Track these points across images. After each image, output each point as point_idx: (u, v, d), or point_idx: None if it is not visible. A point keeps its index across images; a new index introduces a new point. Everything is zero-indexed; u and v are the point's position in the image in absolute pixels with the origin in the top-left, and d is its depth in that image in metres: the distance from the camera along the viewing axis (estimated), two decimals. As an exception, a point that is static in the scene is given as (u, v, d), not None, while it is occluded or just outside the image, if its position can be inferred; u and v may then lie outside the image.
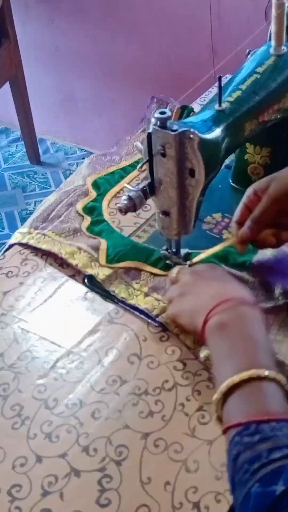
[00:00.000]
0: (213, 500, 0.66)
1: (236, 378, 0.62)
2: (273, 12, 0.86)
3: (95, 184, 1.06)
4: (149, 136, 0.79)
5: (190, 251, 0.91)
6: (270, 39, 0.92)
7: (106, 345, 0.82)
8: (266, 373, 0.62)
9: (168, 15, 1.99)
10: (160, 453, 0.70)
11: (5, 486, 0.69)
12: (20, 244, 0.97)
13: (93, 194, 1.04)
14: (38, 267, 0.94)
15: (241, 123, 0.85)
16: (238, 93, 0.86)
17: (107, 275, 0.89)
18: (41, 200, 2.50)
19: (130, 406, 0.75)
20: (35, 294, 0.90)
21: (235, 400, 0.62)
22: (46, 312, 0.87)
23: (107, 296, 0.88)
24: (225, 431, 0.61)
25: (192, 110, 1.00)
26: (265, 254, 0.90)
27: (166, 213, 0.84)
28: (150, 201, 0.87)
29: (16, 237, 0.98)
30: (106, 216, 1.00)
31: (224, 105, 0.84)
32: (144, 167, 0.82)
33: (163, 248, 0.92)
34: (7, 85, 2.27)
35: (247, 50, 0.94)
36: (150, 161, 0.81)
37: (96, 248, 0.93)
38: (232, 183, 1.06)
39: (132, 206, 0.83)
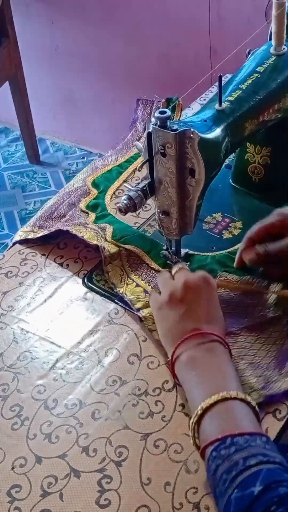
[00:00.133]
0: (213, 501, 0.66)
1: (209, 400, 0.66)
2: (273, 11, 0.86)
3: (94, 183, 1.07)
4: (149, 135, 0.79)
5: (190, 251, 0.91)
6: (270, 39, 0.92)
7: (106, 345, 0.82)
8: (235, 394, 0.67)
9: (168, 15, 1.99)
10: (160, 454, 0.70)
11: (5, 487, 0.69)
12: (20, 244, 0.97)
13: (94, 192, 1.05)
14: (38, 267, 0.94)
15: (241, 122, 0.85)
16: (238, 92, 0.86)
17: (111, 252, 0.90)
18: (41, 200, 2.50)
19: (130, 406, 0.75)
20: (35, 294, 0.90)
21: (209, 420, 0.66)
22: (46, 312, 0.87)
23: (107, 296, 0.88)
24: (202, 452, 0.65)
25: (177, 99, 1.03)
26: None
27: (166, 213, 0.84)
28: (150, 201, 0.87)
29: (20, 235, 0.98)
30: (110, 210, 1.01)
31: (224, 104, 0.83)
32: (144, 167, 0.82)
33: (163, 248, 0.92)
34: (6, 85, 2.27)
35: (247, 50, 0.94)
36: (150, 160, 0.81)
37: (103, 229, 0.95)
38: (232, 183, 1.06)
39: (132, 206, 0.83)
